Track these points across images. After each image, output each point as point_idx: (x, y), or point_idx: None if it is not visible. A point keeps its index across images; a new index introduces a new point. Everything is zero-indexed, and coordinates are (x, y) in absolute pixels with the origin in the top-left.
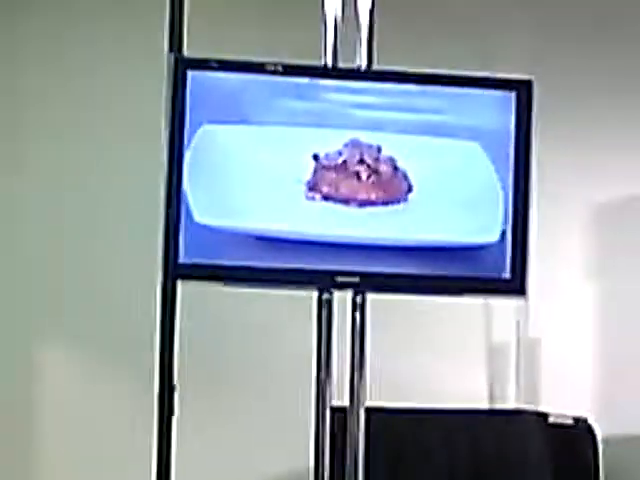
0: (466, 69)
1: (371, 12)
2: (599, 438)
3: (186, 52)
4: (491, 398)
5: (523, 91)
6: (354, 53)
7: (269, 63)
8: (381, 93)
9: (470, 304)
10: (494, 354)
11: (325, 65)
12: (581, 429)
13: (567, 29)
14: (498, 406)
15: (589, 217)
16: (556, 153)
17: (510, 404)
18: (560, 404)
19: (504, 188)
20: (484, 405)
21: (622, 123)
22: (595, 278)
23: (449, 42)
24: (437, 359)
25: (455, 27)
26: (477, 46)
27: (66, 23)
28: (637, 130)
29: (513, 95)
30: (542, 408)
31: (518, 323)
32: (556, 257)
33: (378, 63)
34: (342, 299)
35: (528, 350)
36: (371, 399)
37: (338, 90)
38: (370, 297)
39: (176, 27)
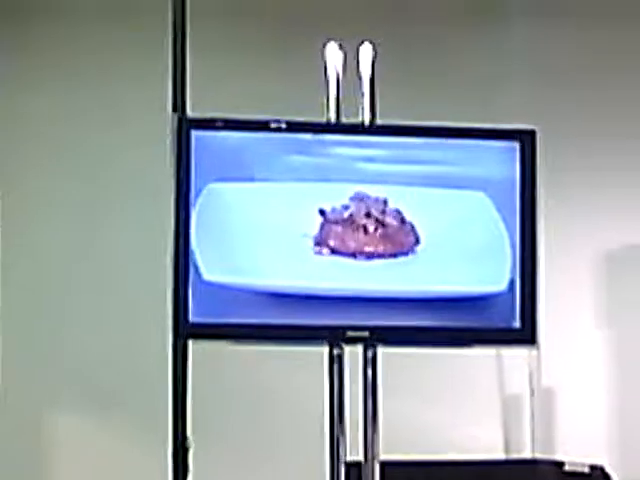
0: (468, 120)
1: (372, 66)
2: None
3: (190, 112)
4: (506, 448)
5: (527, 141)
6: (356, 107)
7: (272, 121)
8: (385, 146)
9: (482, 355)
10: (508, 404)
11: (328, 121)
12: (597, 477)
13: (568, 76)
14: (514, 456)
15: (598, 265)
16: (563, 201)
17: (526, 454)
18: (576, 452)
19: (511, 237)
20: (500, 456)
21: (629, 168)
22: (606, 326)
23: (450, 94)
24: (451, 410)
25: (456, 79)
26: (479, 97)
27: (67, 87)
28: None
29: (517, 145)
30: (558, 457)
31: (531, 373)
32: (566, 306)
33: (380, 117)
34: (353, 353)
35: (542, 399)
36: (385, 453)
37: (342, 144)
38: (381, 350)
39: (179, 87)
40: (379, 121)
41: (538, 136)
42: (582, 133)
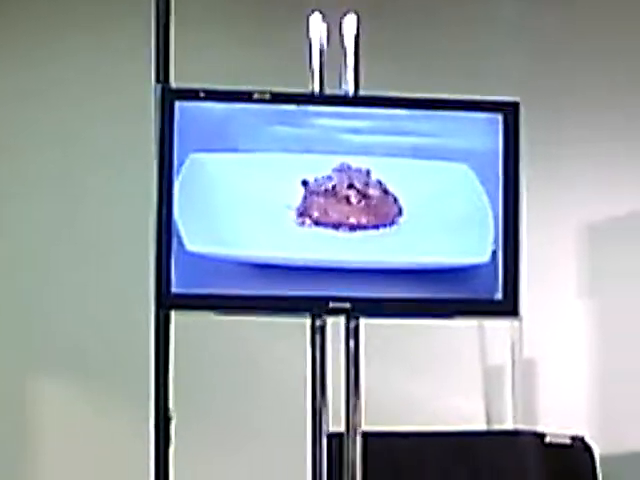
0: (453, 92)
1: (356, 37)
2: (597, 456)
3: (173, 82)
4: (488, 420)
5: (510, 113)
6: (340, 79)
7: (256, 91)
8: (369, 118)
9: (464, 326)
10: (490, 375)
11: (312, 92)
12: (579, 448)
13: (553, 48)
14: (495, 427)
15: (581, 236)
16: (546, 173)
17: (507, 425)
18: (557, 424)
19: (494, 209)
20: (481, 427)
21: (613, 139)
22: (588, 297)
23: (435, 65)
24: (433, 382)
25: (441, 50)
26: (464, 69)
27: (48, 56)
28: (628, 146)
29: (500, 117)
30: (539, 428)
31: (513, 344)
32: (549, 277)
33: (364, 88)
34: (336, 323)
35: (524, 371)
36: (367, 424)
37: (326, 116)
38: (364, 321)
39: (162, 58)
40: (363, 92)
41: (521, 108)
42: (565, 105)
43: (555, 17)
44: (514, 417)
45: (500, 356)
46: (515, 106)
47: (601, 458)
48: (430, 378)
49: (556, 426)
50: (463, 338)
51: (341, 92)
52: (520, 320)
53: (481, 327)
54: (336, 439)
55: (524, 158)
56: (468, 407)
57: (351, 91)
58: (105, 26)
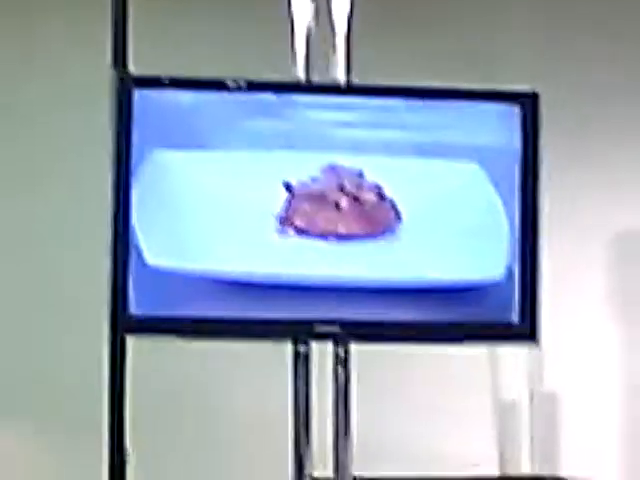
0: (460, 81)
1: (349, 18)
2: None
3: (132, 68)
4: (502, 463)
5: (528, 104)
6: (329, 64)
7: (230, 79)
8: (362, 109)
9: (474, 353)
10: (504, 411)
11: (296, 79)
12: None
13: (576, 31)
14: (510, 473)
15: (610, 250)
16: (570, 176)
17: (524, 470)
18: (582, 468)
19: (509, 216)
20: (494, 471)
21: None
22: (619, 320)
23: (438, 50)
24: (437, 419)
25: (445, 33)
26: (472, 55)
27: None
28: None
29: (517, 109)
30: (560, 473)
31: (531, 374)
32: (572, 297)
33: (357, 75)
34: (322, 350)
35: (543, 406)
36: (359, 468)
37: (312, 107)
38: (355, 347)
39: (120, 39)
40: (355, 80)
41: (541, 99)
42: (590, 97)
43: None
44: (532, 460)
45: (516, 389)
46: (535, 97)
47: None
48: (433, 414)
49: (580, 471)
50: (472, 367)
51: (330, 80)
52: (539, 346)
53: (494, 355)
54: None
55: (544, 158)
56: (478, 448)
57: (342, 79)
58: (60, 9)
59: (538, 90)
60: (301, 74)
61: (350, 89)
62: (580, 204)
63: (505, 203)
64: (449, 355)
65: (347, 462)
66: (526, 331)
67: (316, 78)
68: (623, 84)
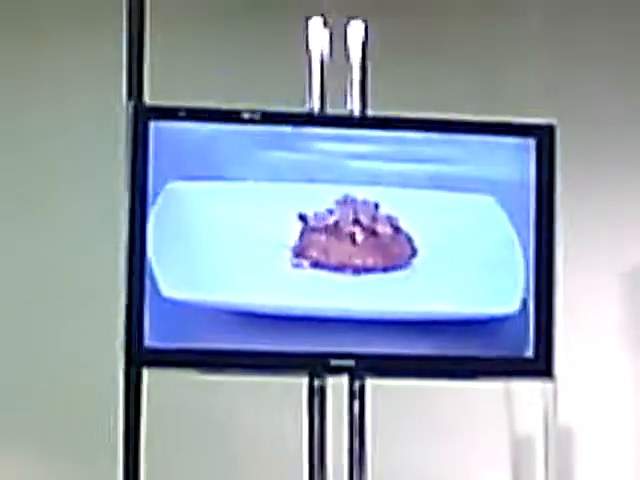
0: (475, 112)
1: (363, 48)
2: None
3: (147, 99)
4: None
5: (544, 137)
6: (344, 96)
7: (246, 110)
8: (377, 141)
9: (488, 388)
10: (519, 446)
11: (311, 111)
12: None
13: (591, 62)
14: None
15: (626, 283)
16: (585, 208)
17: None
18: None
19: (524, 249)
20: None
21: None
22: (634, 353)
23: (454, 81)
24: (451, 454)
25: (461, 64)
26: (487, 87)
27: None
28: None
29: (533, 142)
30: None
31: (546, 410)
32: (588, 331)
33: (372, 107)
34: (337, 385)
35: (559, 441)
36: None
37: (328, 139)
38: (370, 381)
39: (135, 71)
40: (370, 112)
41: (558, 131)
42: (608, 128)
43: (593, 25)
44: None
45: (531, 424)
46: (550, 130)
47: None
48: (448, 449)
49: None
50: (487, 402)
51: (345, 111)
52: (554, 381)
53: (508, 389)
54: None
55: (559, 190)
56: None
57: (357, 110)
58: (71, 32)
59: (554, 122)
60: (316, 105)
61: (365, 121)
62: (594, 236)
63: (520, 236)
64: (464, 389)
65: None
66: (541, 366)
67: (331, 110)
68: (638, 116)
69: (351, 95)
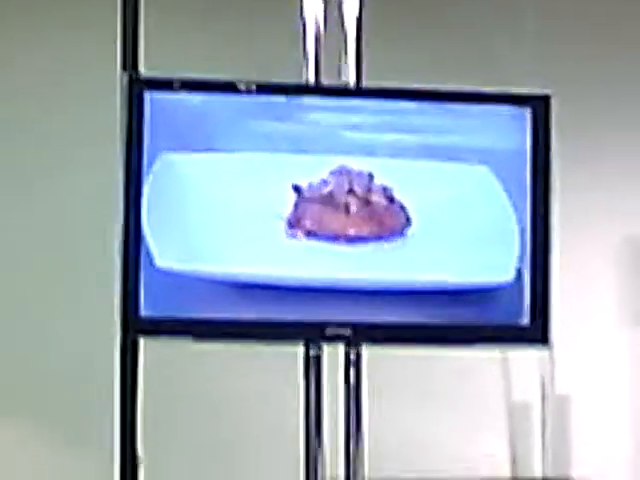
0: (470, 82)
1: (359, 20)
2: None
3: (143, 70)
4: (513, 466)
5: (540, 107)
6: (339, 67)
7: (240, 81)
8: (372, 112)
9: (485, 356)
10: (515, 414)
11: (306, 82)
12: None
13: (583, 32)
14: (522, 475)
15: (623, 252)
16: (582, 178)
17: (536, 472)
18: (594, 470)
19: (520, 219)
20: (505, 474)
21: None
22: (631, 323)
23: (449, 52)
24: (448, 421)
25: (457, 35)
26: (483, 58)
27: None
28: None
29: (528, 112)
30: (572, 475)
31: (542, 377)
32: (584, 300)
33: (367, 78)
34: (333, 353)
35: (555, 408)
36: (371, 470)
37: (322, 109)
38: (366, 350)
39: (130, 41)
40: (365, 83)
41: (553, 101)
42: (605, 97)
43: None
44: (543, 462)
45: (528, 392)
46: (546, 99)
47: None
48: (445, 417)
49: (592, 473)
50: (484, 370)
51: (340, 82)
52: (550, 349)
53: (505, 358)
54: None
55: (555, 160)
56: (490, 451)
57: (352, 81)
58: (67, 4)
59: (549, 92)
60: (311, 76)
61: (359, 91)
62: (592, 206)
63: (515, 206)
64: (461, 357)
65: (359, 464)
66: (537, 334)
67: (326, 80)
68: (636, 85)
69: (346, 66)
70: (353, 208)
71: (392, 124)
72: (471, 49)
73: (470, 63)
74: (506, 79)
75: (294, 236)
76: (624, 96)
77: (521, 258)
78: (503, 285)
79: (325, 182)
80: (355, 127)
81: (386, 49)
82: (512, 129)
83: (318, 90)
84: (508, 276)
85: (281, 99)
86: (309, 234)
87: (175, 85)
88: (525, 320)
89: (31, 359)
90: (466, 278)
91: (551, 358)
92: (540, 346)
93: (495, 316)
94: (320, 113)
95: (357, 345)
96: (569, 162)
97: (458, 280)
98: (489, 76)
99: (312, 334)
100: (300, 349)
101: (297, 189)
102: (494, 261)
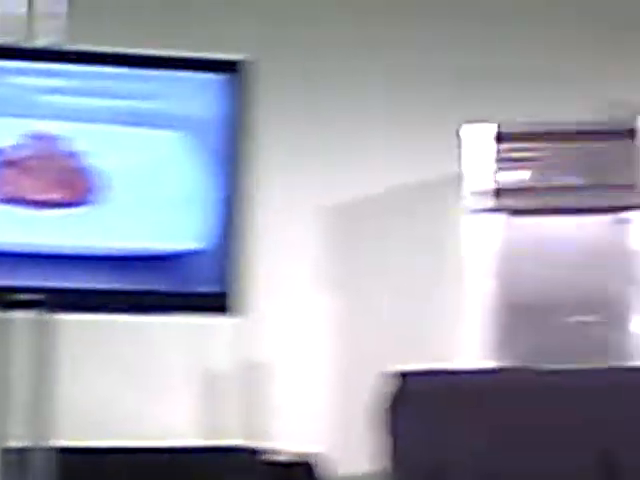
0: (170, 49)
1: None
2: (329, 476)
3: None
4: (208, 434)
5: (237, 73)
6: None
7: None
8: (71, 76)
9: (179, 323)
10: (209, 382)
11: (5, 44)
12: (302, 468)
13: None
14: (214, 443)
15: (324, 220)
16: (281, 145)
17: (231, 441)
18: (291, 439)
19: (213, 186)
20: (195, 443)
21: (352, 120)
22: (332, 291)
23: (151, 19)
24: (140, 389)
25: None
26: (198, 28)
27: None
28: (369, 127)
29: (224, 78)
30: (268, 445)
31: (235, 345)
32: (283, 268)
33: (70, 43)
34: (25, 319)
35: (251, 377)
36: (59, 437)
37: (20, 73)
38: (59, 316)
39: None
40: (68, 47)
41: (254, 67)
42: (308, 67)
43: None
44: (243, 431)
45: (222, 360)
46: (243, 65)
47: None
48: (137, 384)
49: (290, 442)
50: (178, 338)
51: (41, 45)
52: (242, 317)
53: (199, 325)
54: (19, 455)
55: (255, 127)
56: (182, 419)
57: (53, 45)
58: None
59: (246, 58)
60: (13, 38)
61: (57, 55)
62: (293, 174)
63: (211, 172)
64: (152, 325)
65: (46, 432)
66: (226, 302)
67: (28, 43)
68: (341, 50)
69: (55, 30)
70: (44, 173)
71: (90, 89)
72: (183, 20)
73: (183, 34)
74: (210, 45)
75: None
76: (328, 72)
77: (215, 225)
78: (193, 252)
79: (19, 146)
80: (52, 91)
81: (89, 13)
82: (209, 95)
83: (14, 52)
84: (201, 243)
85: None
86: (1, 198)
87: None
88: (215, 288)
89: None
90: (155, 244)
91: (245, 326)
92: (229, 314)
93: (184, 283)
94: (18, 76)
95: (49, 311)
96: (269, 130)
97: (146, 246)
98: (193, 42)
99: (4, 299)
100: None
101: None
102: (185, 228)
